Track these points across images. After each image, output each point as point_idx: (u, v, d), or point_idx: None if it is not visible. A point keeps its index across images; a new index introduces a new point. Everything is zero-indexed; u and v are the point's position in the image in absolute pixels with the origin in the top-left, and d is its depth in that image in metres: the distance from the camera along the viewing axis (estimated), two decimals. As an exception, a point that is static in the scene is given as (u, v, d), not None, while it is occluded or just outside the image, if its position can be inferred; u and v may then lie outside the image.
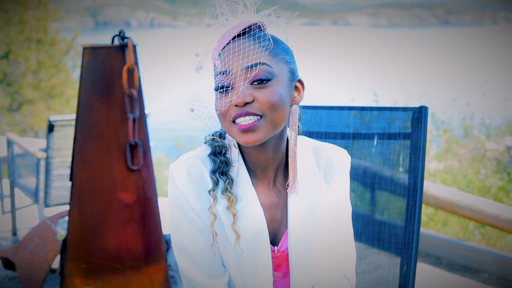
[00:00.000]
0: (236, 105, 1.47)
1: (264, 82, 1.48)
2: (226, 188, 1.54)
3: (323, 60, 36.86)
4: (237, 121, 1.48)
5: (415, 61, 36.20)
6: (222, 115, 1.51)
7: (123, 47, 3.20)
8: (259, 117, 1.47)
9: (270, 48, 1.50)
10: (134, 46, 3.22)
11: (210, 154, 1.59)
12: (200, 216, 1.56)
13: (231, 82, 1.48)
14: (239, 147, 1.61)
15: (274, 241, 1.59)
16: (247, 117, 1.47)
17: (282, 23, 1.56)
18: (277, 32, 1.57)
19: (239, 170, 1.58)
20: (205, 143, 1.63)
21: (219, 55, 1.51)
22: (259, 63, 1.48)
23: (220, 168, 1.56)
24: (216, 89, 1.51)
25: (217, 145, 1.59)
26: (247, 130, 1.47)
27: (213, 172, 1.56)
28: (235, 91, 1.48)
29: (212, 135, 1.63)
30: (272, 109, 1.48)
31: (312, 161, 1.63)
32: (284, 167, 1.62)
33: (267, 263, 1.55)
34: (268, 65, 1.49)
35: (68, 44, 16.94)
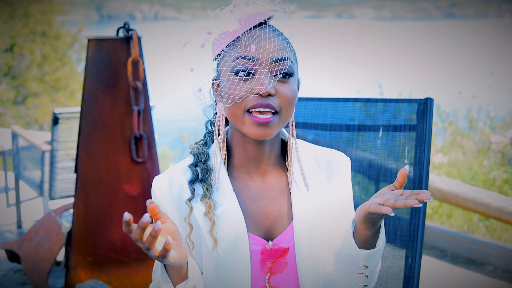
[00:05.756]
0: (257, 94, 1.45)
1: (287, 76, 1.49)
2: (205, 194, 1.53)
3: (328, 53, 36.79)
4: (254, 111, 1.46)
5: (420, 54, 36.09)
6: (235, 102, 1.48)
7: (128, 39, 3.20)
8: (275, 112, 1.47)
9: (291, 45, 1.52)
10: (139, 38, 3.22)
11: (191, 164, 1.58)
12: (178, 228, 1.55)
13: (255, 68, 1.47)
14: (231, 145, 1.60)
15: (269, 237, 1.56)
16: (266, 109, 1.45)
17: (289, 20, 1.53)
18: (281, 28, 1.55)
19: (220, 175, 1.57)
20: (190, 152, 1.62)
21: (242, 35, 1.48)
22: (288, 58, 1.48)
23: (199, 176, 1.55)
24: (234, 72, 1.48)
25: (199, 153, 1.58)
26: (263, 124, 1.46)
27: (191, 182, 1.55)
28: (260, 76, 1.46)
29: (197, 143, 1.62)
30: (288, 106, 1.49)
31: (313, 163, 1.63)
32: (278, 164, 1.62)
33: (245, 268, 1.53)
34: (291, 61, 1.50)
35: (72, 37, 16.90)
